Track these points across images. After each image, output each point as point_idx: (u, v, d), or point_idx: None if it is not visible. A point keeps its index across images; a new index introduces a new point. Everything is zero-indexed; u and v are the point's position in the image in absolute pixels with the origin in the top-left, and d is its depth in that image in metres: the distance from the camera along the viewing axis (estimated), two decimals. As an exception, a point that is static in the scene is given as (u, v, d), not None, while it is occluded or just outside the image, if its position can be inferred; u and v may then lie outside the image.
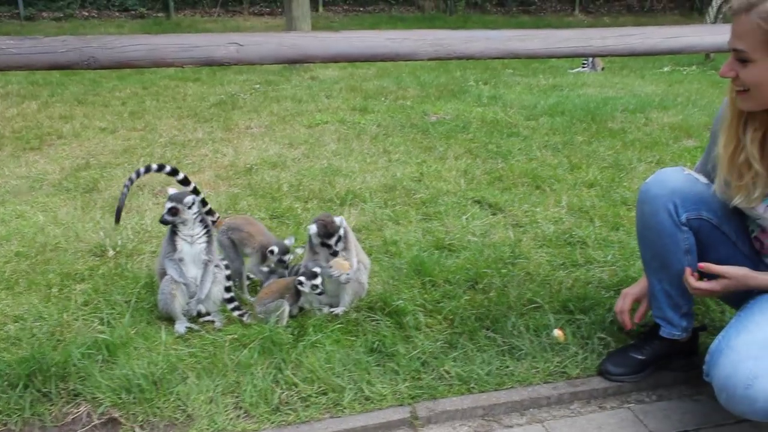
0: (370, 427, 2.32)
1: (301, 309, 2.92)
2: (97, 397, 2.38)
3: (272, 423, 2.32)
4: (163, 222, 2.87)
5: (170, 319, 2.86)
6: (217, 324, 2.88)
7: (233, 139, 5.87)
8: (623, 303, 2.64)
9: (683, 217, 2.32)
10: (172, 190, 2.91)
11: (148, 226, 3.86)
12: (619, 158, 5.22)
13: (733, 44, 2.02)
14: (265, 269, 3.11)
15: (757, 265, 2.30)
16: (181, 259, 2.88)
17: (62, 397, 2.40)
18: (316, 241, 2.94)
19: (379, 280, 3.22)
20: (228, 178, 4.80)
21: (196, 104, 7.30)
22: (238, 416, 2.35)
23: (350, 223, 3.83)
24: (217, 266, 2.96)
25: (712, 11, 10.44)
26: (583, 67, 9.94)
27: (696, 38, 2.42)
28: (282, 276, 3.11)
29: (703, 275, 2.33)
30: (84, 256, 3.51)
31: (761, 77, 1.99)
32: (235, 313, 2.93)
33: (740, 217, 2.36)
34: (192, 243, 2.88)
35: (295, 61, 2.17)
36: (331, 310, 2.94)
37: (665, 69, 9.99)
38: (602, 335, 2.77)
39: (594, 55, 2.45)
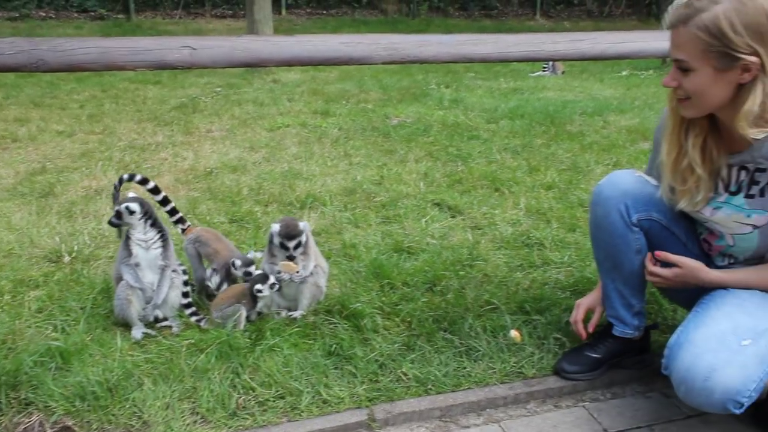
0: (327, 430, 2.32)
1: (259, 313, 2.91)
2: (49, 406, 2.34)
3: (229, 428, 2.31)
4: (110, 224, 2.89)
5: (127, 325, 2.83)
6: (175, 329, 2.86)
7: (193, 143, 5.82)
8: (576, 313, 2.68)
9: (634, 218, 2.38)
10: (131, 194, 2.90)
11: (105, 231, 3.81)
12: (577, 161, 5.30)
13: (674, 55, 2.09)
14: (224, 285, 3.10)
15: (707, 265, 2.36)
16: (137, 264, 2.85)
17: (13, 407, 2.35)
18: (276, 240, 2.93)
19: (338, 283, 3.22)
20: (187, 182, 4.76)
21: (157, 107, 7.23)
22: (195, 422, 2.33)
23: (309, 226, 3.84)
24: (174, 271, 2.94)
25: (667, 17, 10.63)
26: (544, 71, 10.07)
27: (642, 43, 2.49)
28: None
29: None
30: (39, 262, 3.46)
31: (702, 85, 2.06)
32: (193, 319, 2.91)
33: (689, 220, 2.42)
34: (147, 248, 2.85)
35: (248, 65, 2.16)
36: (289, 313, 2.94)
37: (623, 73, 10.18)
38: (558, 335, 2.80)
39: (546, 59, 2.50)
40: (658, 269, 2.38)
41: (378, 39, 2.15)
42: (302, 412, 2.37)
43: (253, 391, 2.45)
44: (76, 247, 3.57)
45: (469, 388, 2.54)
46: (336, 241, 3.74)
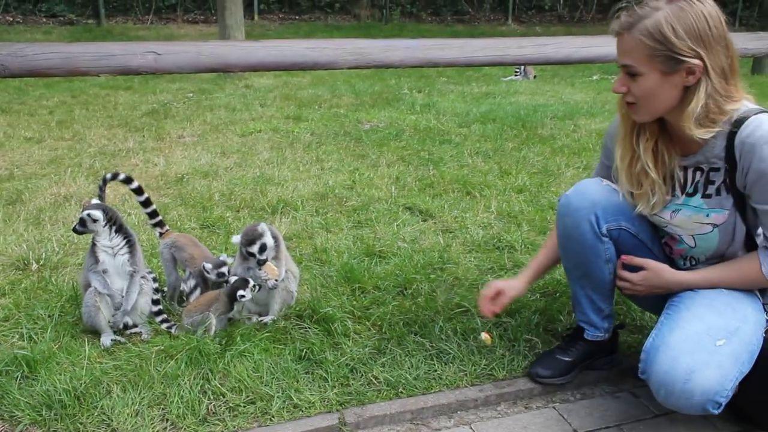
0: (298, 434, 2.32)
1: (229, 319, 2.90)
2: (15, 416, 2.31)
3: (199, 434, 2.30)
4: (74, 231, 2.86)
5: (96, 333, 2.80)
6: (144, 336, 2.83)
7: (165, 149, 5.78)
8: (486, 290, 2.69)
9: (603, 228, 2.39)
10: (94, 201, 2.87)
11: (74, 238, 3.77)
12: (548, 164, 5.35)
13: (622, 61, 2.15)
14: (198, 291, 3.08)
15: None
16: (105, 271, 2.83)
17: (-23, 417, 2.32)
18: (243, 250, 2.93)
19: (309, 287, 3.21)
20: (158, 188, 4.72)
21: (128, 113, 7.18)
22: (165, 428, 2.31)
23: (281, 231, 3.83)
24: (143, 277, 2.92)
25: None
26: (516, 75, 10.15)
27: (608, 48, 2.52)
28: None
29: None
30: (5, 269, 3.41)
31: (650, 89, 2.11)
32: (164, 326, 2.89)
33: (653, 225, 2.46)
34: (114, 255, 2.83)
35: (214, 70, 2.16)
36: (260, 318, 2.93)
37: (594, 77, 10.30)
38: (528, 337, 2.83)
39: (511, 64, 2.52)
40: (626, 273, 2.42)
41: (344, 44, 2.16)
42: (273, 417, 2.37)
43: (224, 397, 2.44)
44: (44, 255, 3.53)
45: (439, 390, 2.55)
46: (307, 245, 3.74)
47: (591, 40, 2.55)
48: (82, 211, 2.80)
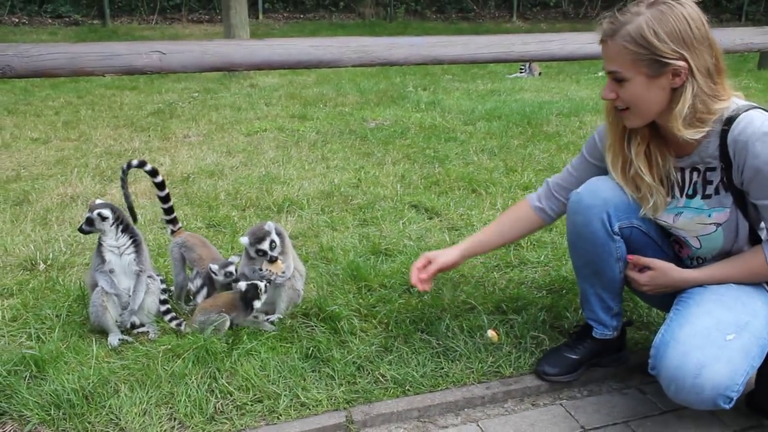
0: (305, 433, 2.33)
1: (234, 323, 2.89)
2: (24, 415, 2.32)
3: (207, 433, 2.31)
4: (80, 230, 2.86)
5: (103, 332, 2.81)
6: (152, 335, 2.84)
7: (170, 149, 5.80)
8: (417, 261, 2.67)
9: (616, 227, 2.38)
10: (99, 201, 2.88)
11: (81, 238, 3.78)
12: (553, 161, 5.34)
13: (608, 67, 2.18)
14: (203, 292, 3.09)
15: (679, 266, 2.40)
16: (111, 271, 2.83)
17: (-14, 416, 2.34)
18: (252, 252, 2.93)
19: (315, 286, 3.22)
20: (164, 187, 4.73)
21: (133, 113, 7.19)
22: (173, 427, 2.31)
23: (287, 230, 3.83)
24: (150, 276, 2.93)
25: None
26: (521, 73, 10.13)
27: (611, 44, 2.52)
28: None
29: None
30: (13, 270, 3.42)
31: (638, 93, 2.14)
32: (173, 324, 2.89)
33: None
34: (120, 254, 2.84)
35: (218, 69, 2.16)
36: (267, 317, 2.94)
37: (599, 74, 10.24)
38: (535, 333, 2.83)
39: (516, 60, 2.52)
40: (635, 274, 2.42)
41: (348, 42, 2.16)
42: (280, 415, 2.37)
43: (231, 396, 2.44)
44: (51, 255, 3.54)
45: (446, 388, 2.55)
46: (313, 244, 3.74)
47: (596, 36, 2.53)
48: (89, 211, 2.81)
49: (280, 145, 5.93)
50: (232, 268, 3.01)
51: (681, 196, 2.31)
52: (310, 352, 2.67)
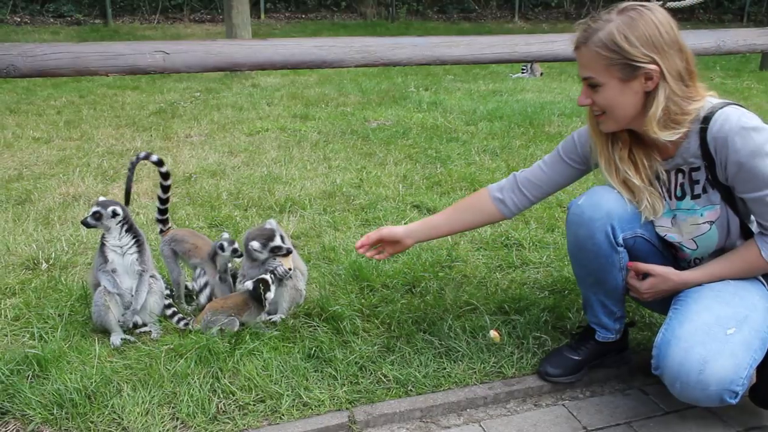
0: (307, 433, 2.32)
1: (242, 324, 2.89)
2: (26, 414, 2.32)
3: (209, 432, 2.31)
4: (84, 223, 2.84)
5: (105, 332, 2.81)
6: (154, 335, 2.84)
7: (172, 148, 5.80)
8: (373, 233, 2.67)
9: (620, 239, 2.38)
10: (102, 198, 2.88)
11: (83, 237, 3.79)
12: (555, 161, 5.32)
13: (583, 74, 2.21)
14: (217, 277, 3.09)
15: (677, 269, 2.40)
16: (114, 270, 2.84)
17: (-11, 415, 2.34)
18: (264, 254, 2.93)
19: (317, 286, 3.22)
20: (166, 187, 4.73)
21: (135, 113, 7.19)
22: (175, 427, 2.32)
23: (289, 230, 3.85)
24: (152, 276, 2.93)
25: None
26: (523, 73, 10.12)
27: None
28: (225, 281, 3.10)
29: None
30: (15, 269, 3.42)
31: (612, 97, 2.17)
32: (180, 324, 2.89)
33: None
34: (123, 254, 2.84)
35: (222, 69, 2.16)
36: (269, 317, 2.94)
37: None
38: (537, 334, 2.83)
39: (519, 61, 2.52)
40: (636, 282, 2.42)
41: (351, 42, 2.16)
42: (282, 415, 2.37)
43: (233, 395, 2.44)
44: (53, 254, 3.54)
45: (449, 388, 2.55)
46: (315, 244, 3.74)
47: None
48: (97, 205, 2.81)
49: (282, 145, 5.93)
50: (237, 245, 3.02)
51: (671, 198, 2.32)
52: (312, 352, 2.67)
